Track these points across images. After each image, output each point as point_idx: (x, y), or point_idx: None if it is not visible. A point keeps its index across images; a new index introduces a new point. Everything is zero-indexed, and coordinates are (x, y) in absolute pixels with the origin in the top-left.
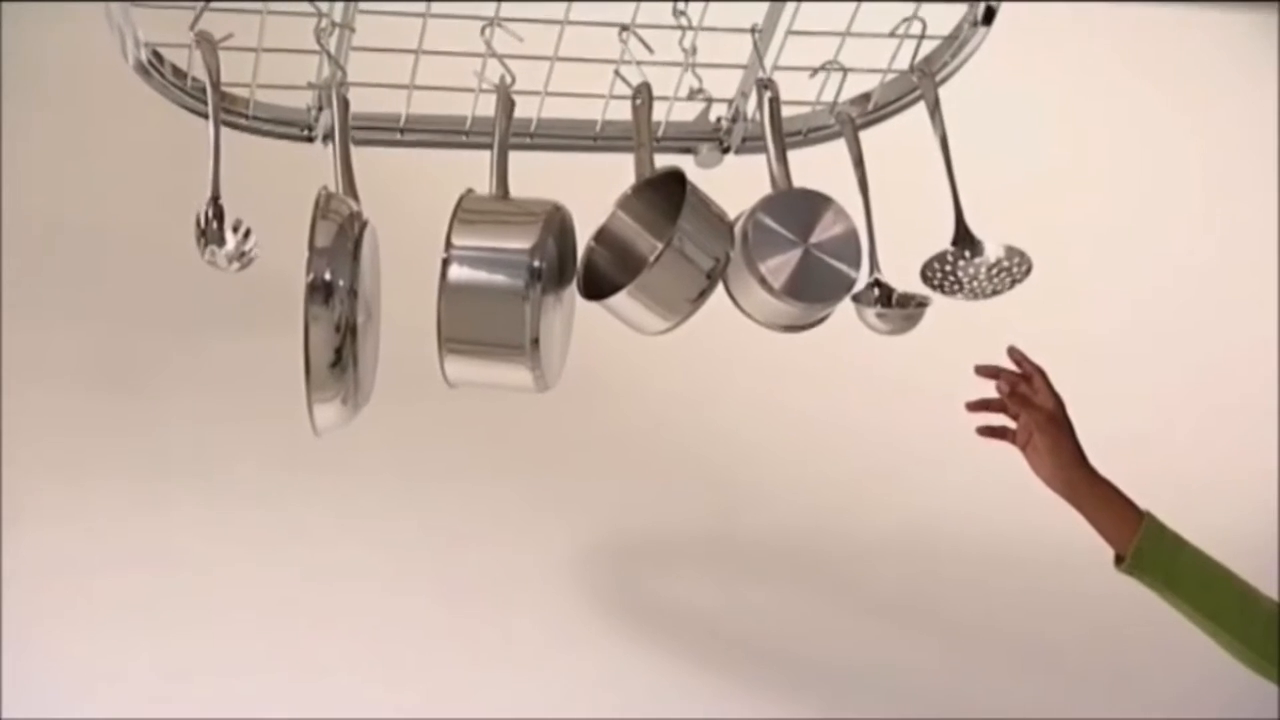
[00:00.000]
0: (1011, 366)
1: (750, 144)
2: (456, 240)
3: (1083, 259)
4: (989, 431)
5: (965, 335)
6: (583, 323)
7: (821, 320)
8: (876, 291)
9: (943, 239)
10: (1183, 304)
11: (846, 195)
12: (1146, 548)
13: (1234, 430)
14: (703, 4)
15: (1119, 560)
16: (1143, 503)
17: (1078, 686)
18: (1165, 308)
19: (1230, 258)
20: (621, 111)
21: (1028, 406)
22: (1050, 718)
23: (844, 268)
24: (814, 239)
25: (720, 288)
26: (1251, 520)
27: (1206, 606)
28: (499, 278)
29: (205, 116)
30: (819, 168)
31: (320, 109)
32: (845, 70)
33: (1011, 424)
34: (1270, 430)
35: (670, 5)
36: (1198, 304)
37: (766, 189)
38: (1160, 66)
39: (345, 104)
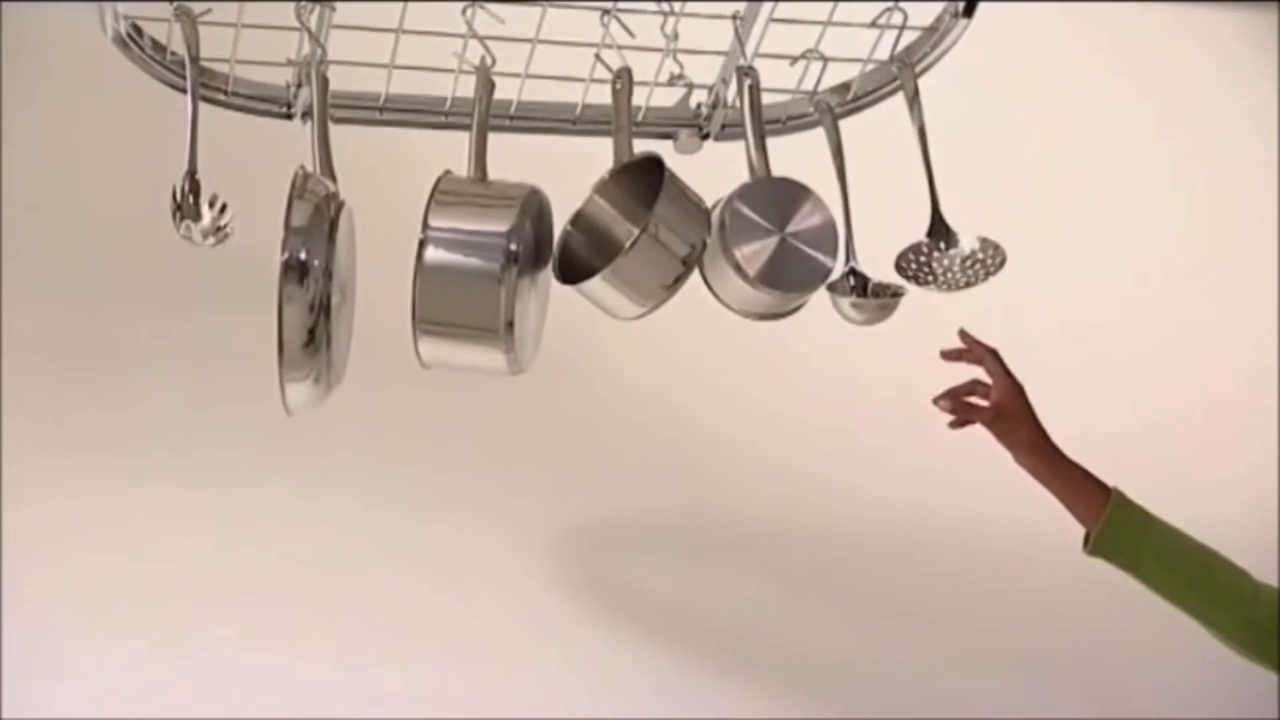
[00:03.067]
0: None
1: (730, 131)
2: (433, 221)
3: (1067, 255)
4: (960, 424)
5: (947, 330)
6: (561, 308)
7: (797, 309)
8: (852, 281)
9: (920, 230)
10: (1176, 299)
11: (824, 184)
12: (1110, 529)
13: (1232, 426)
14: None
15: (1086, 541)
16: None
17: (1051, 683)
18: (1157, 303)
19: (1224, 253)
20: (602, 95)
21: (971, 410)
22: (1022, 716)
23: (820, 257)
24: (791, 228)
25: (696, 274)
26: (1251, 518)
27: (1173, 583)
28: (475, 260)
29: (184, 91)
30: (797, 156)
31: (299, 86)
32: (825, 59)
33: (982, 401)
34: (1269, 427)
35: None
36: (1191, 299)
37: (745, 176)
38: (1151, 64)
39: (325, 82)
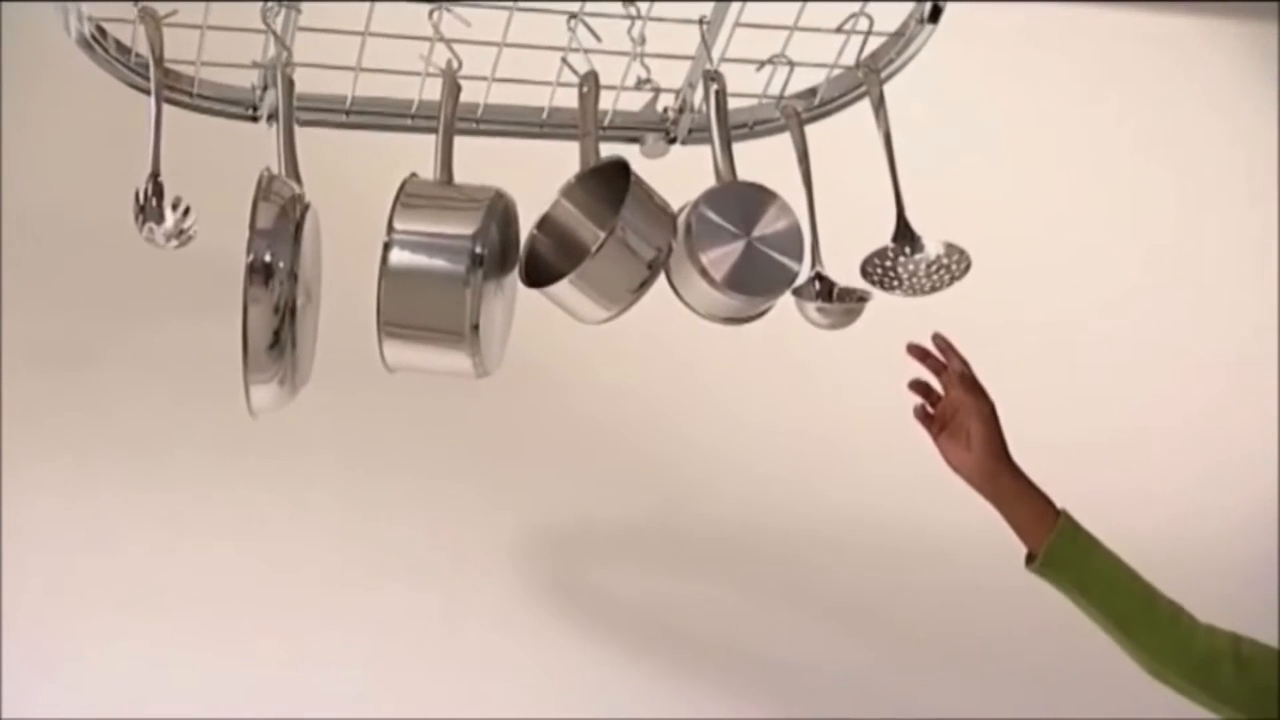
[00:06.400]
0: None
1: (696, 135)
2: (398, 224)
3: (1043, 260)
4: (925, 415)
5: (921, 335)
6: (530, 312)
7: (763, 313)
8: (817, 285)
9: (885, 235)
10: (1157, 306)
11: (790, 189)
12: (1059, 547)
13: (1216, 435)
14: None
15: (1030, 559)
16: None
17: (1023, 686)
18: (1139, 309)
19: (1206, 259)
20: (568, 99)
21: (975, 391)
22: (994, 718)
23: (786, 261)
24: (757, 232)
25: (662, 279)
26: (1250, 522)
27: (1114, 612)
28: (440, 263)
29: (148, 93)
30: (764, 161)
31: (265, 88)
32: (792, 64)
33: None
34: (1254, 434)
35: None
36: (1173, 305)
37: (711, 181)
38: (1125, 71)
39: (290, 84)
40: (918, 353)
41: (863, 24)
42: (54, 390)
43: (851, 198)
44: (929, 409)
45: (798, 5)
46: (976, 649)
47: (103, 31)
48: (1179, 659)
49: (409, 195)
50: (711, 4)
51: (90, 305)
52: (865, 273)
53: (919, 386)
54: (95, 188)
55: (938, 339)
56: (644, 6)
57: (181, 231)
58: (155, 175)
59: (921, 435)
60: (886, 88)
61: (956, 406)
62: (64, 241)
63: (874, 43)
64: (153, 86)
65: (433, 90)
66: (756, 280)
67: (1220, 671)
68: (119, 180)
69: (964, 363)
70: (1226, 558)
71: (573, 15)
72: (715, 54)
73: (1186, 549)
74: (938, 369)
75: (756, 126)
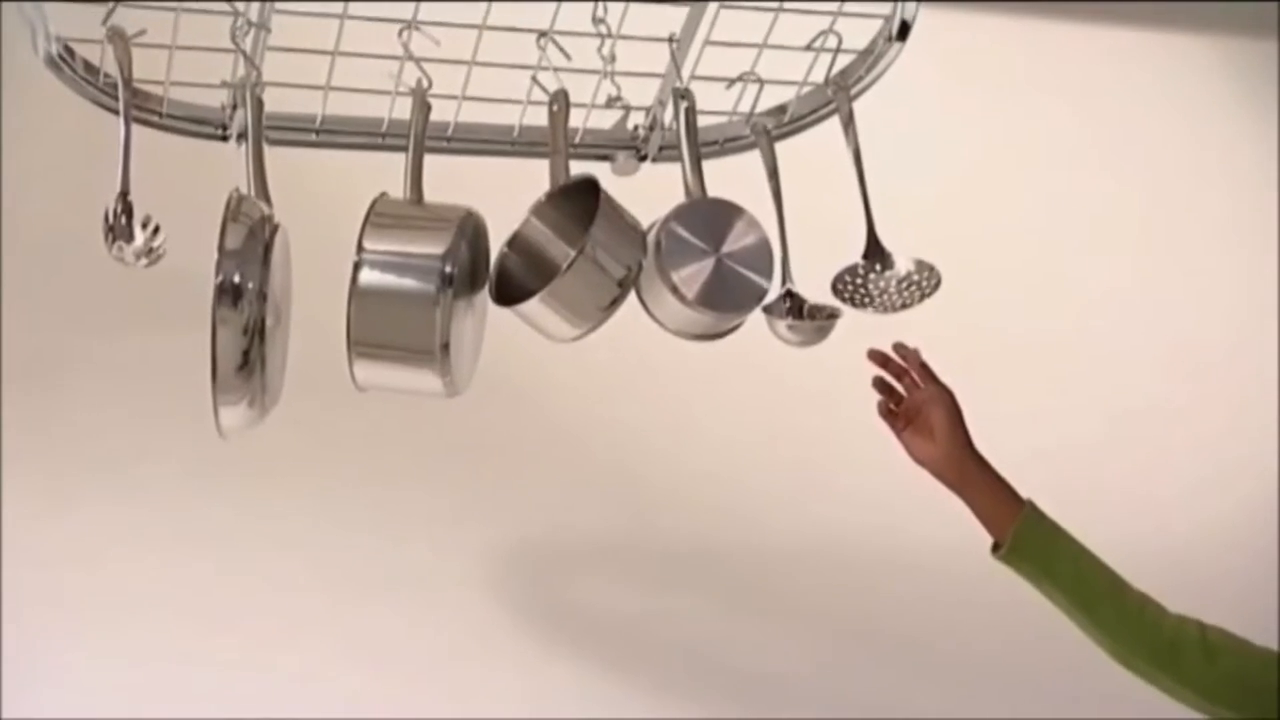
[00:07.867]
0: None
1: (667, 153)
2: (368, 244)
3: (1016, 271)
4: (888, 412)
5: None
6: (500, 328)
7: (733, 330)
8: (788, 303)
9: (856, 252)
10: (1130, 314)
11: (760, 206)
12: (1025, 534)
13: (1189, 439)
14: (621, 11)
15: (996, 547)
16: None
17: (999, 694)
18: (1113, 317)
19: (1205, 258)
20: (538, 118)
21: (936, 382)
22: None
23: (756, 278)
24: (726, 249)
25: (633, 296)
26: (1250, 522)
27: (1080, 597)
28: (410, 282)
29: (117, 113)
30: (734, 178)
31: (235, 108)
32: (762, 82)
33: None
34: (1268, 431)
35: (589, 12)
36: (1145, 313)
37: (681, 198)
38: (1093, 86)
39: (260, 104)
40: (878, 358)
41: (831, 42)
42: (23, 406)
43: (822, 215)
44: (892, 406)
45: (767, 23)
46: (954, 659)
47: (71, 51)
48: (1145, 644)
49: (379, 214)
50: (681, 22)
51: (62, 321)
52: (836, 290)
53: (881, 384)
54: (69, 204)
55: (898, 346)
56: (614, 23)
57: (151, 250)
58: (125, 194)
59: (896, 448)
60: (856, 104)
61: (919, 401)
62: (39, 258)
63: (843, 60)
64: (121, 107)
65: (403, 109)
66: (727, 297)
67: (1185, 657)
68: (93, 197)
69: (921, 365)
70: (1226, 558)
71: (542, 34)
72: (685, 72)
73: (1186, 550)
74: (899, 373)
75: (726, 144)
